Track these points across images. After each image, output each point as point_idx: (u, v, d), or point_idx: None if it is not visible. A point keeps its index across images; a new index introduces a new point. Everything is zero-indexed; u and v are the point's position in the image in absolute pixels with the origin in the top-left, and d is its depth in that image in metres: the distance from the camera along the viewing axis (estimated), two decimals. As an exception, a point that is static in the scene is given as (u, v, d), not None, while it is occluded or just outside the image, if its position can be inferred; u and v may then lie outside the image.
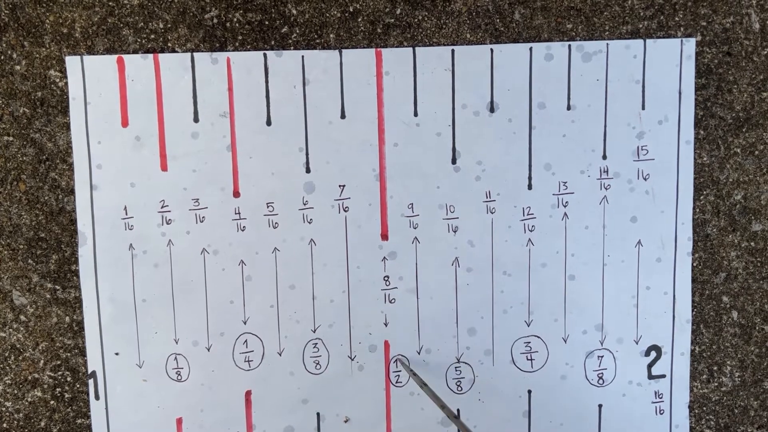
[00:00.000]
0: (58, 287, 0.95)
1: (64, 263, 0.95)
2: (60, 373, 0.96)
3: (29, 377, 0.96)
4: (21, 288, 0.95)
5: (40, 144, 0.93)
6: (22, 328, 0.96)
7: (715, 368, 1.01)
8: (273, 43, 0.94)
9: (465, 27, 0.95)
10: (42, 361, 0.96)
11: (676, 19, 0.96)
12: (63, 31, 0.92)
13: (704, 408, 1.01)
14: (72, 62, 0.92)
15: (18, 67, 0.92)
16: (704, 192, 0.98)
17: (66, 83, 0.92)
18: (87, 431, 0.97)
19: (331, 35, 0.94)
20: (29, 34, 0.92)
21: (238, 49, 0.93)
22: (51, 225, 0.94)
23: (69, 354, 0.96)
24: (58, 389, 0.97)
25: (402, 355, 0.97)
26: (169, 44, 0.93)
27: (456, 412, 0.99)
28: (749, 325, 1.01)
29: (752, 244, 1.00)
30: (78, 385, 0.96)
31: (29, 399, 0.97)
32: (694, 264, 0.99)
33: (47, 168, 0.94)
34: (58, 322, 0.96)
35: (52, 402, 0.97)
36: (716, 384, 1.01)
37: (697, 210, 0.98)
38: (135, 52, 0.93)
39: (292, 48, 0.94)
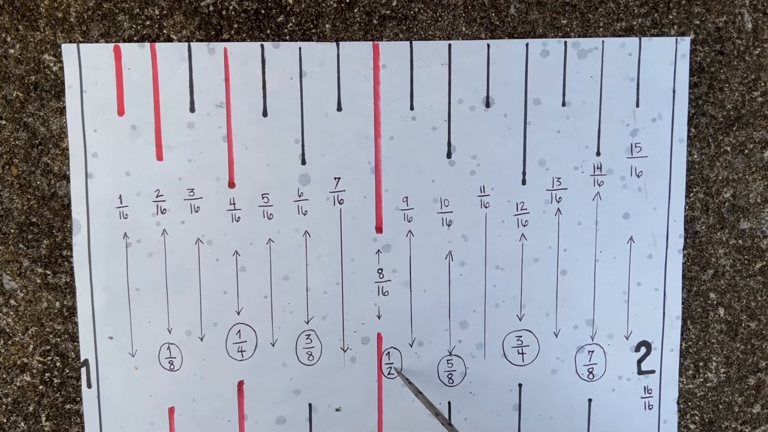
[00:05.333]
0: (48, 272, 0.95)
1: (56, 248, 0.95)
2: (49, 358, 0.96)
3: (18, 362, 0.96)
4: (11, 272, 0.95)
5: (33, 128, 0.93)
6: (11, 313, 0.95)
7: (701, 364, 1.02)
8: (269, 32, 0.94)
9: (461, 20, 0.95)
10: (31, 346, 0.96)
11: (670, 17, 0.97)
12: (58, 16, 0.92)
13: (689, 403, 1.03)
14: (68, 50, 0.92)
15: (12, 51, 0.92)
16: (694, 189, 0.99)
17: (60, 68, 0.92)
18: (76, 416, 0.97)
19: (327, 25, 0.94)
20: (24, 18, 0.92)
21: (234, 37, 0.93)
22: (43, 210, 0.94)
23: (59, 339, 0.96)
24: (47, 374, 0.97)
25: (396, 368, 0.98)
26: (165, 31, 0.93)
27: (447, 406, 1.00)
28: (735, 321, 1.02)
29: (740, 241, 1.01)
30: (67, 371, 0.96)
31: (18, 383, 0.97)
32: (683, 261, 1.00)
33: (40, 152, 0.93)
34: (48, 307, 0.95)
35: (41, 387, 0.97)
36: (702, 380, 1.02)
37: (687, 207, 0.99)
38: (130, 38, 0.92)
39: (287, 37, 0.94)
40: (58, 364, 0.96)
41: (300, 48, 0.93)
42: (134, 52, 0.92)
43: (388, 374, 0.98)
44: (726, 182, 1.00)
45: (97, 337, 0.96)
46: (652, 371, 1.01)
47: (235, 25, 0.93)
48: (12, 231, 0.94)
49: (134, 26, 0.92)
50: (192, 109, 0.93)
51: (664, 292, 1.00)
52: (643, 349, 1.00)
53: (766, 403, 1.04)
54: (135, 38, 0.93)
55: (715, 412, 1.03)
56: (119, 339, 0.96)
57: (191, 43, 0.93)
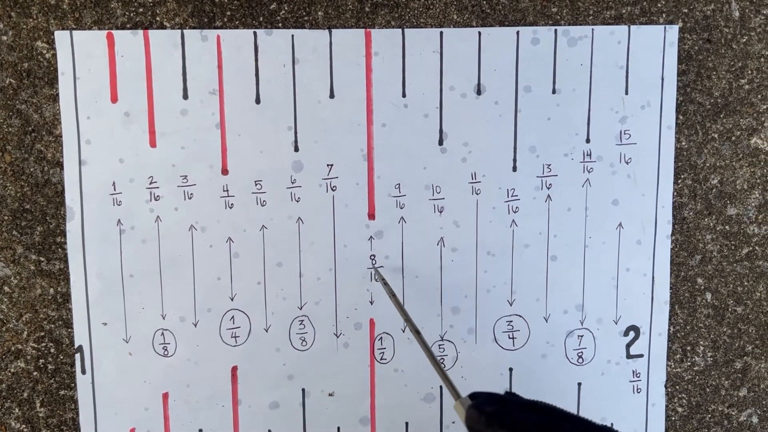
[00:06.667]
0: (42, 259, 0.95)
1: (49, 235, 0.95)
2: (43, 344, 0.96)
3: (12, 348, 0.97)
4: (5, 259, 0.95)
5: (26, 115, 0.93)
6: (6, 300, 0.96)
7: (689, 348, 1.03)
8: (261, 19, 0.94)
9: (452, 8, 0.96)
10: (25, 333, 0.96)
11: (659, 5, 0.98)
12: (50, 3, 0.92)
13: (677, 387, 1.04)
14: (61, 37, 0.92)
15: (5, 38, 0.92)
16: (682, 176, 1.00)
17: (53, 55, 0.92)
18: (70, 402, 0.98)
19: (320, 13, 0.94)
20: (16, 5, 0.92)
21: (227, 24, 0.93)
22: (36, 197, 0.94)
23: (53, 326, 0.96)
24: (41, 360, 0.97)
25: (375, 269, 0.99)
26: (158, 18, 0.93)
27: (439, 390, 1.01)
28: (722, 306, 1.03)
29: (727, 227, 1.02)
30: (61, 357, 0.97)
31: (12, 370, 0.97)
32: (671, 246, 1.01)
33: (33, 139, 0.93)
34: (42, 294, 0.96)
35: (35, 373, 0.97)
36: (689, 363, 1.04)
37: (675, 193, 1.00)
38: (123, 25, 0.92)
39: (280, 24, 0.94)
40: (52, 350, 0.97)
41: (293, 35, 0.94)
42: (127, 39, 0.93)
43: (381, 359, 0.99)
44: (713, 169, 1.01)
45: (91, 324, 0.96)
46: (641, 355, 1.02)
47: (228, 12, 0.94)
48: (5, 218, 0.94)
49: (127, 13, 0.93)
50: (185, 97, 0.94)
51: (653, 278, 1.01)
52: (631, 334, 1.02)
53: (752, 386, 1.05)
54: (128, 25, 0.93)
55: (702, 396, 1.04)
56: (113, 325, 0.97)
57: (184, 31, 0.93)
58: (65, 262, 0.95)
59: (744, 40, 0.99)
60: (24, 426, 0.98)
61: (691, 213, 1.01)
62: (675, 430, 1.04)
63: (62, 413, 0.98)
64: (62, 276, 0.96)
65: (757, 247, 1.03)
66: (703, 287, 1.03)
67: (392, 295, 0.92)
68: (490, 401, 0.73)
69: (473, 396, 0.74)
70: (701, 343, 1.03)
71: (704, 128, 1.00)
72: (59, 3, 0.92)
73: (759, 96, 1.00)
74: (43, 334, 0.96)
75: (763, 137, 1.01)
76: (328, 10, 0.94)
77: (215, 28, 0.93)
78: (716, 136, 1.00)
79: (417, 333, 0.84)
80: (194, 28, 0.93)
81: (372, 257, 0.98)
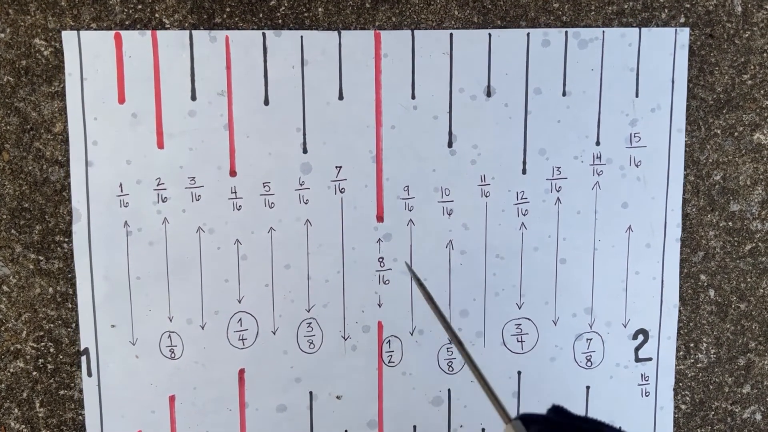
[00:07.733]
0: (41, 258, 0.94)
1: (48, 234, 0.94)
2: (43, 344, 0.96)
3: (11, 348, 0.96)
4: (4, 258, 0.94)
5: (24, 113, 0.92)
6: (4, 299, 0.95)
7: (692, 345, 1.04)
8: (261, 15, 0.93)
9: (453, 4, 0.95)
10: (24, 332, 0.95)
11: (661, 0, 0.97)
12: (48, 0, 0.90)
13: (680, 384, 1.04)
14: (68, 37, 0.91)
15: (2, 35, 0.90)
16: (684, 172, 1.00)
17: (51, 52, 0.91)
18: (70, 402, 0.97)
19: (320, 9, 0.93)
20: (14, 2, 0.90)
21: (226, 21, 0.92)
22: (35, 195, 0.93)
23: (52, 325, 0.95)
24: (40, 360, 0.96)
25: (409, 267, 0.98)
26: (156, 15, 0.92)
27: (447, 393, 1.01)
28: (725, 303, 1.04)
29: (730, 223, 1.03)
30: (61, 357, 0.96)
31: (11, 370, 0.96)
32: (674, 244, 1.02)
33: (31, 138, 0.92)
34: (41, 293, 0.95)
35: (34, 373, 0.96)
36: (692, 360, 1.04)
37: (678, 190, 1.01)
38: (122, 22, 0.91)
39: (280, 21, 0.93)
40: (51, 350, 0.96)
41: (301, 36, 0.93)
42: (135, 39, 0.92)
43: (389, 362, 0.99)
44: (716, 165, 1.01)
45: (97, 326, 0.95)
46: (650, 359, 1.03)
47: (228, 9, 0.92)
48: (4, 217, 0.93)
49: (126, 10, 0.91)
50: (193, 98, 0.93)
51: (662, 281, 1.02)
52: (640, 337, 1.02)
53: (755, 383, 1.06)
54: (127, 22, 0.91)
55: (705, 393, 1.05)
56: (120, 327, 0.96)
57: (192, 31, 0.92)
58: (64, 261, 0.94)
59: (747, 35, 1.00)
60: (23, 426, 0.97)
61: (693, 209, 1.02)
62: (678, 427, 1.05)
63: (62, 413, 0.97)
64: (61, 275, 0.95)
65: (760, 244, 1.03)
66: (706, 284, 1.03)
67: (429, 299, 0.83)
68: (536, 423, 0.72)
69: (523, 418, 0.73)
70: (704, 340, 1.04)
71: (707, 124, 1.00)
72: (57, 0, 0.90)
73: (762, 91, 1.01)
74: (42, 333, 0.96)
75: (766, 133, 1.01)
76: (329, 7, 0.93)
77: (215, 24, 0.92)
78: (719, 131, 1.01)
79: (459, 344, 0.79)
80: (194, 24, 0.92)
81: (380, 260, 0.97)
